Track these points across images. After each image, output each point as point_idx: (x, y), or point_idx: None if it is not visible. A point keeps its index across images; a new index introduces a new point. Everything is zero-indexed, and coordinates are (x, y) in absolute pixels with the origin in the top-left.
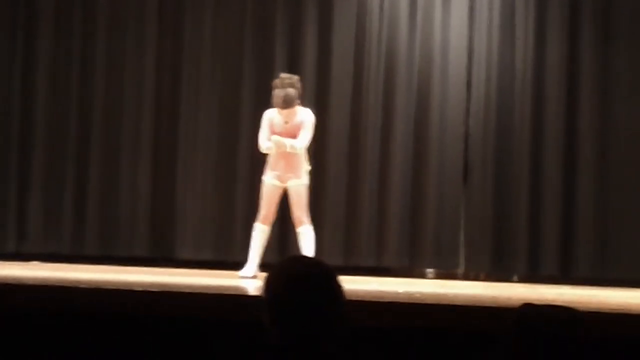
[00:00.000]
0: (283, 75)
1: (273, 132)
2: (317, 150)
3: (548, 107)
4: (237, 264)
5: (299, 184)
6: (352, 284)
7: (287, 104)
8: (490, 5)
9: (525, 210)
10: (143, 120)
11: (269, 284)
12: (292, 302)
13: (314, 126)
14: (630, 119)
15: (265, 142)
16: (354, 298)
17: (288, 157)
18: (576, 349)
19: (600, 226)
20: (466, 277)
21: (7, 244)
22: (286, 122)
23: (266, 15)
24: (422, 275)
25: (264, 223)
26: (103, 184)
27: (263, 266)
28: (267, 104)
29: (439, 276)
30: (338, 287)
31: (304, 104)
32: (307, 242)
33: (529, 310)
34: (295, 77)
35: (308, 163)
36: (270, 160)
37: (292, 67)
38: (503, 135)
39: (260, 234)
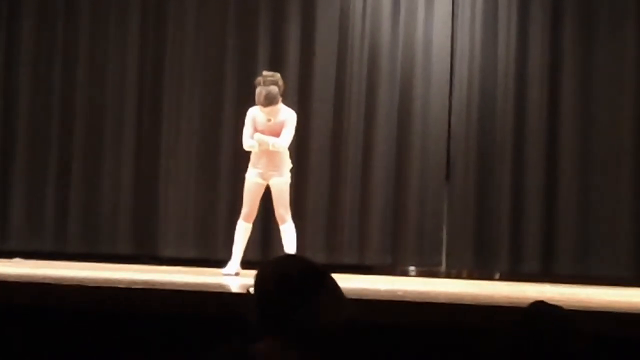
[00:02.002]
0: (265, 72)
1: (256, 130)
2: (299, 148)
3: (530, 105)
4: (220, 262)
5: (282, 182)
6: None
7: (269, 101)
8: (472, 3)
9: (508, 207)
10: (125, 118)
11: (259, 282)
12: (282, 300)
13: (296, 124)
14: (612, 116)
15: (248, 140)
16: None
17: (271, 155)
18: (581, 351)
19: (582, 223)
20: (448, 274)
21: None
22: (269, 120)
23: (249, 12)
24: (405, 273)
25: (246, 220)
26: (85, 181)
27: (246, 263)
28: (250, 102)
29: (422, 274)
30: (333, 286)
31: (286, 101)
32: (289, 240)
33: (539, 308)
34: (278, 75)
35: (290, 161)
36: (253, 158)
37: (275, 64)
38: (485, 132)
39: (243, 232)
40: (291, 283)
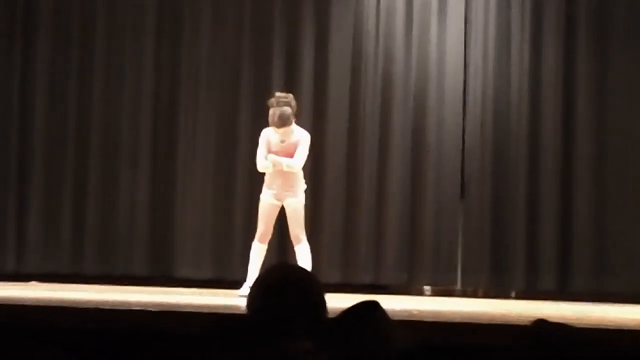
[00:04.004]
0: (278, 94)
1: (270, 151)
2: (314, 167)
3: (545, 120)
4: (235, 282)
5: (296, 202)
6: (350, 302)
7: (282, 122)
8: (485, 19)
9: (523, 225)
10: (141, 138)
11: (250, 297)
12: (268, 314)
13: (309, 144)
14: (627, 131)
15: (262, 161)
16: None
17: (285, 175)
18: None
19: (597, 241)
20: (464, 293)
21: (6, 263)
22: (282, 141)
23: (263, 32)
24: (420, 292)
25: (261, 241)
26: (101, 203)
27: None
28: (265, 122)
29: (437, 293)
30: (318, 294)
31: (301, 121)
32: (304, 260)
33: (543, 326)
34: (291, 96)
35: (305, 182)
36: (267, 179)
37: (290, 85)
38: (500, 149)
39: (258, 252)
40: (278, 295)
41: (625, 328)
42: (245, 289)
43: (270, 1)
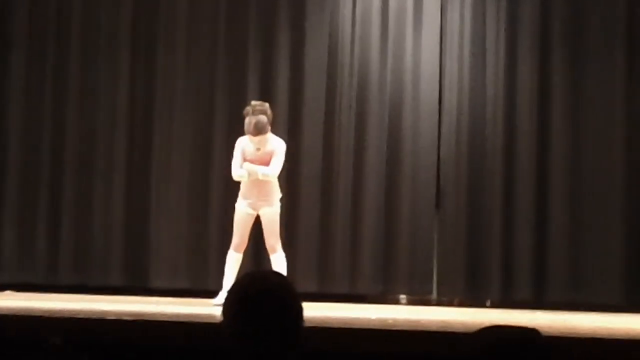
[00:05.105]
0: (254, 102)
1: (245, 160)
2: (289, 177)
3: (520, 133)
4: (211, 292)
5: (272, 211)
6: (326, 311)
7: (258, 130)
8: (460, 30)
9: (498, 235)
10: (116, 149)
11: (225, 306)
12: (244, 323)
13: (285, 153)
14: (602, 144)
15: (238, 169)
16: (327, 325)
17: (260, 185)
18: None
19: (573, 250)
20: (439, 302)
21: None
22: (258, 149)
23: (238, 43)
24: (396, 302)
25: (237, 250)
26: (77, 213)
27: None
28: (240, 132)
29: (412, 302)
30: (294, 302)
31: (276, 131)
32: (279, 269)
33: (492, 332)
34: (266, 104)
35: (280, 190)
36: (243, 188)
37: (265, 95)
38: (475, 161)
39: (233, 262)
40: (253, 304)
41: (599, 337)
42: (221, 298)
43: (246, 12)
